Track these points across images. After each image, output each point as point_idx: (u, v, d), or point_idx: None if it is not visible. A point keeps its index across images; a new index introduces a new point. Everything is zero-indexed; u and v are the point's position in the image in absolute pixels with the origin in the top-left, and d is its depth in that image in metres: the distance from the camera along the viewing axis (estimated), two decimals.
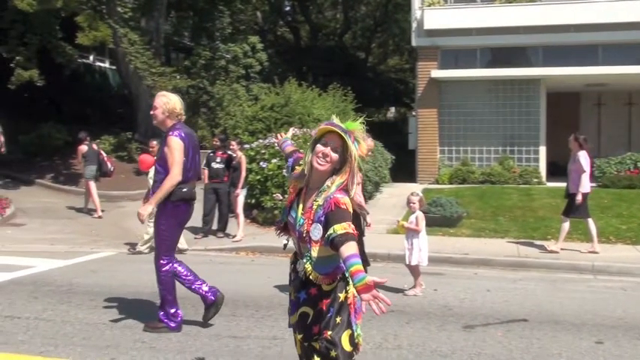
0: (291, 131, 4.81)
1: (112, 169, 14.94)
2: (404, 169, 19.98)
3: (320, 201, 3.35)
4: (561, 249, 10.55)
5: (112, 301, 7.19)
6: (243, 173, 11.96)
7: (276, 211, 12.65)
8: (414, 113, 26.01)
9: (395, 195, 16.13)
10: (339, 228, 3.17)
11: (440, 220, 12.46)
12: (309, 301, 3.50)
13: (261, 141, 13.96)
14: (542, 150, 19.44)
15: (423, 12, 19.82)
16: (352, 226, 3.23)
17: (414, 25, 20.39)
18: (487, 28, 19.15)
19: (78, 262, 9.74)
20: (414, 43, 20.66)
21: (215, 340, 5.88)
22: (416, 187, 17.42)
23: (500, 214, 14.04)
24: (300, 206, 3.49)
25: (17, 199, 15.40)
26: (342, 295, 3.46)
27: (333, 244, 3.18)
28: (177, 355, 5.44)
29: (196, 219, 12.44)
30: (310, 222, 3.35)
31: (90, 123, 20.77)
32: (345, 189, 3.37)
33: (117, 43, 19.13)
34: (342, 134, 3.35)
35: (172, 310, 6.13)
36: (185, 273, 6.22)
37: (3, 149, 17.34)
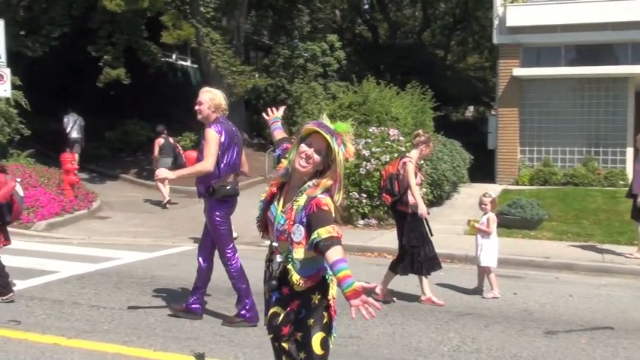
0: (282, 110, 4.71)
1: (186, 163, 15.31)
2: (483, 169, 19.61)
3: (301, 201, 3.25)
4: None
5: None
6: None
7: (352, 210, 12.64)
8: (493, 112, 25.49)
9: (473, 195, 15.81)
10: (324, 232, 3.08)
11: (520, 222, 12.15)
12: (280, 300, 3.42)
13: None
14: (630, 151, 18.64)
15: (506, 9, 19.38)
16: (336, 228, 3.12)
17: (496, 22, 19.96)
18: (572, 24, 18.53)
19: (159, 255, 10.02)
20: (495, 40, 20.24)
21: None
22: (495, 188, 17.08)
23: (583, 217, 13.57)
24: (281, 203, 3.41)
25: (103, 193, 16.00)
26: (315, 297, 3.36)
27: (317, 248, 3.10)
28: (255, 350, 5.51)
29: None
30: (291, 223, 3.27)
31: (172, 120, 21.34)
32: (331, 194, 3.28)
33: (199, 42, 19.59)
34: (327, 136, 3.25)
35: (248, 301, 6.21)
36: (205, 274, 6.42)
37: (83, 144, 18.19)
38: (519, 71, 19.35)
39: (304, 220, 3.21)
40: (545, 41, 19.43)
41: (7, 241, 7.11)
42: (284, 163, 3.50)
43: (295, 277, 3.27)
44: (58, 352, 5.39)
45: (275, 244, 3.42)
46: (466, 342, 5.97)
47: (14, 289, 7.11)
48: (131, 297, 7.24)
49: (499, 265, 8.22)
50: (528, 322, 6.73)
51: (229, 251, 6.29)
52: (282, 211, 3.36)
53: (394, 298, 7.52)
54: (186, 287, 7.67)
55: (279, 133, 4.30)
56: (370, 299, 2.92)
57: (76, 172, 14.31)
